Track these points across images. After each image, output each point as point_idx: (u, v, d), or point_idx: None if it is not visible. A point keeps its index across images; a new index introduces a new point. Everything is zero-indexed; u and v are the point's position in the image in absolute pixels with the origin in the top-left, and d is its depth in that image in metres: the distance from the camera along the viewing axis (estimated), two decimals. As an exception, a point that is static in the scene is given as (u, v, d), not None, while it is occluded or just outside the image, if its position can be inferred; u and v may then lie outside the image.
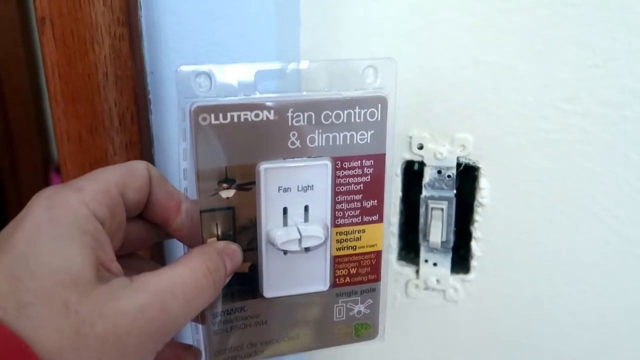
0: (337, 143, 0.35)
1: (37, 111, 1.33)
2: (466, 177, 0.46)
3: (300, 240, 0.35)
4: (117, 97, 0.40)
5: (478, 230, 0.47)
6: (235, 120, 0.32)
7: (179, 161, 0.33)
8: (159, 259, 0.45)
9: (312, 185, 0.35)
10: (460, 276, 0.49)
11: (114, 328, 0.26)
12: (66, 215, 0.27)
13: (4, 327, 0.24)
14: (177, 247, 0.43)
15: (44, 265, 0.26)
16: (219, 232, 0.34)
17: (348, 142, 0.35)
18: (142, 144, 0.42)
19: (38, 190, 0.29)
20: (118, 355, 0.26)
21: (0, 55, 1.26)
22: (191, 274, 0.30)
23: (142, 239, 0.35)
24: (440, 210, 0.47)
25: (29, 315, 0.24)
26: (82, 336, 0.25)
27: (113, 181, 0.30)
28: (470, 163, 0.46)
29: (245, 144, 0.33)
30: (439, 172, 0.46)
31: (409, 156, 0.47)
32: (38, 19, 0.38)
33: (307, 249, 0.35)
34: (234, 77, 0.33)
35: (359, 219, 0.37)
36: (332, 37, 0.44)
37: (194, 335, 0.36)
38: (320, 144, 0.34)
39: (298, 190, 0.35)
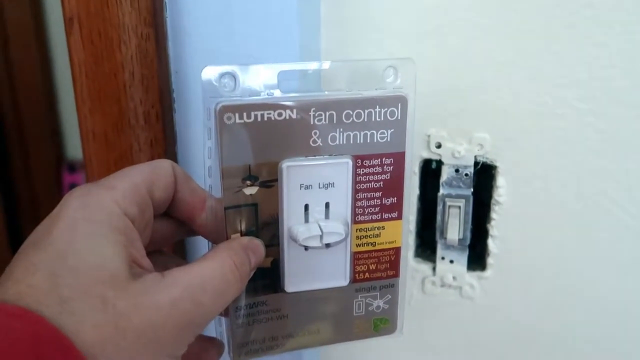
0: (358, 141, 0.35)
1: (50, 110, 1.34)
2: (483, 176, 0.47)
3: (321, 237, 0.35)
4: (143, 95, 0.41)
5: (495, 228, 0.48)
6: (259, 119, 0.33)
7: (203, 159, 0.34)
8: (181, 255, 0.46)
9: (333, 183, 0.36)
10: (477, 273, 0.50)
11: (150, 321, 0.27)
12: (100, 214, 0.28)
13: (47, 323, 0.24)
14: (200, 244, 0.44)
15: (82, 262, 0.26)
16: (243, 228, 0.35)
17: (368, 141, 0.35)
18: (166, 141, 0.43)
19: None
20: (155, 347, 0.27)
21: (14, 55, 1.27)
22: (219, 269, 0.30)
23: (167, 235, 0.35)
24: (458, 208, 0.47)
25: (70, 311, 0.25)
26: (121, 330, 0.26)
27: (141, 180, 0.31)
28: (488, 162, 0.46)
29: (268, 142, 0.34)
30: (457, 170, 0.47)
31: (427, 155, 0.47)
32: (66, 19, 0.39)
33: (327, 245, 0.36)
34: (257, 77, 0.34)
35: (378, 216, 0.37)
36: (351, 38, 0.45)
37: (217, 328, 0.37)
38: (341, 143, 0.35)
39: (319, 188, 0.36)
